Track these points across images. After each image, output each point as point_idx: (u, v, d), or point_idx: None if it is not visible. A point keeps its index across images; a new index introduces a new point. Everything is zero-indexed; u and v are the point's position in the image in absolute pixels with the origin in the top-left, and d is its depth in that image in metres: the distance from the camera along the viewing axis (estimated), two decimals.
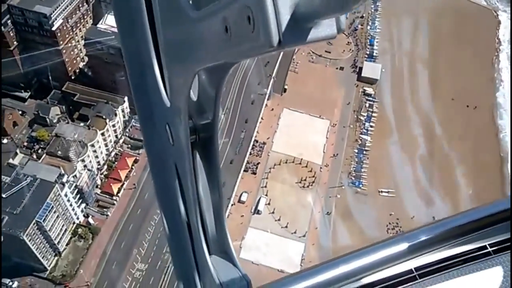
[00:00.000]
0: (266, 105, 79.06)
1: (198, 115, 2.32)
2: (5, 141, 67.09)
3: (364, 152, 75.45)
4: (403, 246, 2.75)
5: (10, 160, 61.88)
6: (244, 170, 70.93)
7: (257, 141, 74.73)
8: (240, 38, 1.50)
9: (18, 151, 64.80)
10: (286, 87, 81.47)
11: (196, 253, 2.73)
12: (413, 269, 3.17)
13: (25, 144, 67.75)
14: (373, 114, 79.85)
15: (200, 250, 2.60)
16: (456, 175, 71.02)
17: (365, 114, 79.76)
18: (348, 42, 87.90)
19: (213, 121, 2.32)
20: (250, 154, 72.99)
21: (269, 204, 68.61)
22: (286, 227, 66.68)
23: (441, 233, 2.84)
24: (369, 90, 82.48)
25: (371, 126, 78.50)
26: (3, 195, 55.32)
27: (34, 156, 64.96)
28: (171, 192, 2.72)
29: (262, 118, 77.41)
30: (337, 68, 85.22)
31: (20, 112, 70.90)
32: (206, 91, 2.22)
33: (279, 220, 67.20)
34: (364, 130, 77.97)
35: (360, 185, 71.82)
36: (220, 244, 2.60)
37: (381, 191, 70.59)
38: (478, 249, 3.49)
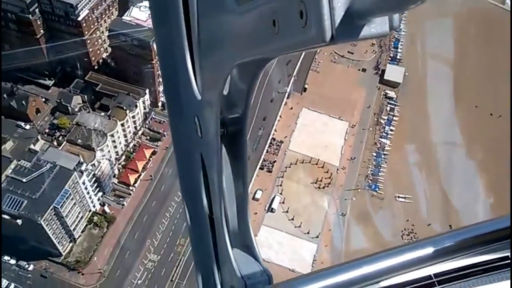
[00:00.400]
0: (286, 103, 78.86)
1: (227, 108, 2.33)
2: (27, 127, 68.56)
3: (383, 156, 74.65)
4: (423, 251, 2.69)
5: (32, 146, 63.17)
6: (260, 168, 70.97)
7: (274, 139, 74.66)
8: (288, 32, 1.48)
9: (39, 137, 66.15)
10: (306, 86, 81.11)
11: (218, 245, 2.78)
12: (432, 275, 3.08)
13: (47, 130, 69.13)
14: (394, 118, 78.89)
15: (222, 242, 2.64)
16: (476, 184, 69.67)
17: (386, 118, 78.85)
18: (372, 43, 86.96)
19: (243, 116, 2.34)
20: (267, 152, 72.97)
21: (283, 203, 68.54)
22: (300, 227, 66.50)
23: (463, 240, 2.75)
24: (391, 93, 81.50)
25: (391, 130, 77.58)
26: (24, 180, 56.57)
27: (55, 143, 66.27)
28: (195, 183, 2.77)
29: (280, 117, 77.27)
30: (359, 70, 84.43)
31: (43, 100, 72.33)
32: (237, 85, 2.22)
33: (292, 219, 67.05)
34: (384, 134, 77.10)
35: (377, 189, 71.11)
36: (242, 238, 2.64)
37: (398, 196, 69.75)
38: (500, 259, 3.38)
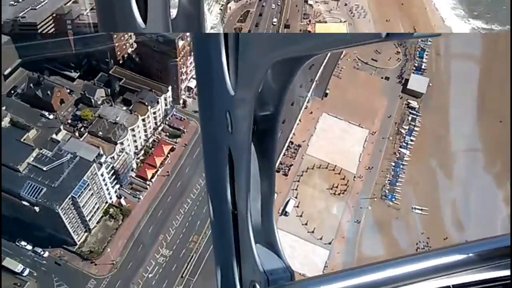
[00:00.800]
0: (306, 107, 78.56)
1: (259, 106, 2.35)
2: (51, 116, 69.92)
3: (401, 166, 73.67)
4: (442, 260, 2.65)
5: (54, 136, 64.28)
6: (276, 171, 70.15)
7: (292, 143, 74.44)
8: None
9: (62, 127, 67.25)
10: (327, 91, 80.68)
11: (240, 241, 2.81)
12: (451, 286, 3.04)
13: (69, 121, 70.36)
14: (415, 129, 77.82)
15: (246, 238, 2.67)
16: (495, 199, 68.10)
17: (407, 128, 77.82)
18: (397, 52, 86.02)
19: (275, 114, 2.38)
20: (284, 155, 72.80)
21: (297, 207, 68.23)
22: (313, 232, 66.10)
23: (482, 252, 2.70)
24: (414, 103, 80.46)
25: (412, 141, 76.53)
26: (44, 168, 57.64)
27: (77, 134, 67.35)
28: (221, 178, 2.80)
29: (300, 121, 77.00)
30: (382, 78, 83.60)
31: (68, 91, 73.63)
32: (272, 83, 2.22)
33: (306, 224, 66.69)
34: (404, 144, 76.09)
35: (393, 199, 70.21)
36: (266, 235, 2.67)
37: (415, 208, 68.71)
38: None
